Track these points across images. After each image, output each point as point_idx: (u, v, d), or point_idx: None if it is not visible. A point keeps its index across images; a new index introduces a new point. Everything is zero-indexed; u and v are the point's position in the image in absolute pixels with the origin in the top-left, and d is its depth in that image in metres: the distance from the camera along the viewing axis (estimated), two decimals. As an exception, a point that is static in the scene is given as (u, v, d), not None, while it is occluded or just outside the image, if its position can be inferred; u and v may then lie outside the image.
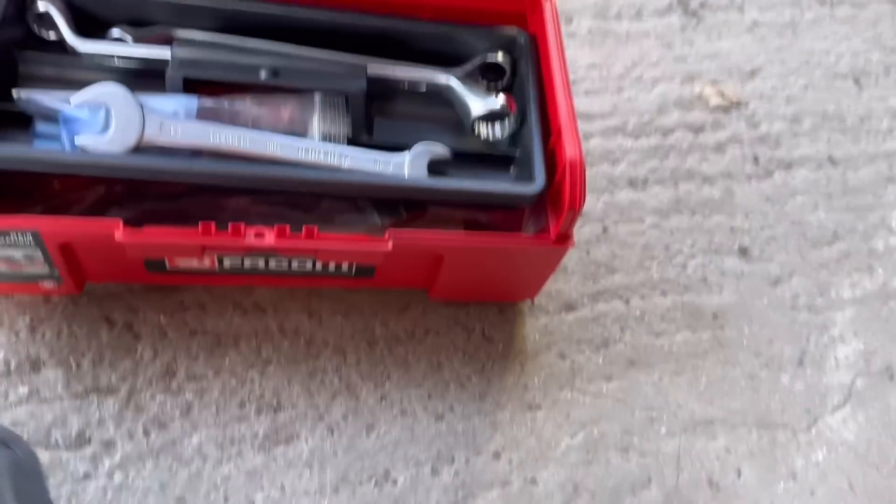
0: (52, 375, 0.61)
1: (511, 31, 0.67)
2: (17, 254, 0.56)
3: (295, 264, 0.62)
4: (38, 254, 0.56)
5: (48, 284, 0.61)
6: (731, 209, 0.83)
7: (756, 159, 0.88)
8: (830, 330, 0.77)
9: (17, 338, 0.62)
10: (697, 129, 0.88)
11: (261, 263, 0.61)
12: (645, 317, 0.75)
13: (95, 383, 0.62)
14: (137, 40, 0.61)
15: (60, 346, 0.63)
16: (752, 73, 0.95)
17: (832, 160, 0.89)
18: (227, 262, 0.61)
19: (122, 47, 0.60)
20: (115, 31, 0.61)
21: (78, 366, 0.62)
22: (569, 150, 0.57)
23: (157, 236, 0.54)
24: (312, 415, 0.64)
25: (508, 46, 0.67)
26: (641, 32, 0.95)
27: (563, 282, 0.74)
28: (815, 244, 0.83)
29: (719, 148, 0.88)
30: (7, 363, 0.61)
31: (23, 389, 0.61)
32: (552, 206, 0.60)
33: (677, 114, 0.89)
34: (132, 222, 0.58)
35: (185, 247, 0.56)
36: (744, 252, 0.81)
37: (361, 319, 0.69)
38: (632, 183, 0.83)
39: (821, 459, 0.70)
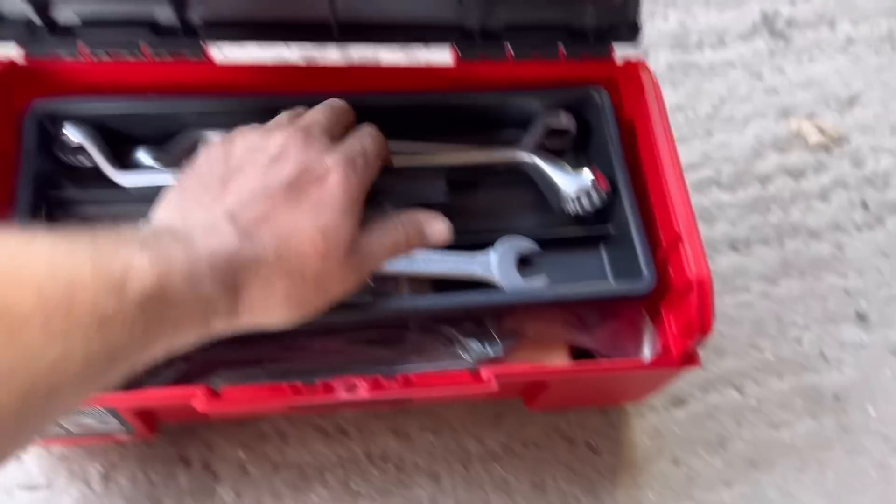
0: (131, 531, 0.57)
1: (578, 91, 0.59)
2: (89, 420, 0.51)
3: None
4: (111, 418, 0.51)
5: (121, 436, 0.56)
6: (843, 267, 0.76)
7: (865, 204, 0.79)
8: (966, 405, 0.70)
9: (91, 490, 0.58)
10: (798, 174, 0.80)
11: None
12: (762, 406, 0.68)
13: (178, 536, 0.57)
14: (167, 163, 0.55)
15: (137, 495, 0.58)
16: (851, 101, 0.86)
17: (951, 201, 0.80)
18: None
19: (169, 176, 0.54)
20: (141, 155, 0.55)
21: (157, 517, 0.57)
22: (695, 267, 0.50)
23: (241, 402, 0.48)
24: (412, 554, 0.59)
25: (576, 106, 0.60)
26: (726, 62, 0.86)
27: (669, 373, 0.67)
28: (939, 301, 0.75)
29: (824, 194, 0.79)
30: (83, 521, 0.57)
31: (102, 550, 0.56)
32: (672, 321, 0.54)
33: (775, 157, 0.81)
34: (200, 369, 0.53)
35: (272, 409, 0.50)
36: (862, 318, 0.73)
37: (453, 436, 0.63)
38: (733, 245, 0.75)
39: (969, 562, 0.63)
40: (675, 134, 0.80)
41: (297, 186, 0.43)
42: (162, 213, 0.43)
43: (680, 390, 0.67)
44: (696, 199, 0.77)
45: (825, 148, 0.82)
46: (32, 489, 0.57)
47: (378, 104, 0.57)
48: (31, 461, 0.58)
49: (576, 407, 0.64)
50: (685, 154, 0.80)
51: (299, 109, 0.51)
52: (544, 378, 0.53)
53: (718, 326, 0.70)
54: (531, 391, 0.59)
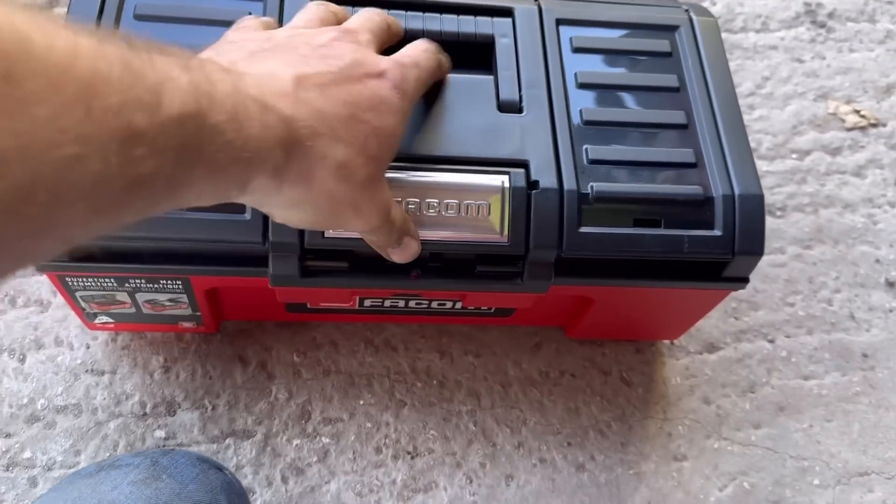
0: (188, 418, 0.60)
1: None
2: (163, 297, 0.54)
3: (435, 304, 0.59)
4: (184, 298, 0.54)
5: (187, 324, 0.59)
6: (875, 238, 0.78)
7: (899, 183, 0.82)
8: None
9: (152, 379, 0.61)
10: (834, 151, 0.83)
11: (401, 303, 0.59)
12: (792, 357, 0.70)
13: (231, 427, 0.60)
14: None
15: (195, 387, 0.61)
16: (888, 89, 0.89)
17: (983, 185, 0.83)
18: (367, 302, 0.58)
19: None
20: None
21: (213, 408, 0.61)
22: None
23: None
24: (450, 461, 0.61)
25: None
26: (769, 45, 0.90)
27: (704, 319, 0.70)
28: (968, 277, 0.77)
29: (859, 171, 0.82)
30: (143, 405, 0.60)
31: (159, 433, 0.59)
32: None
33: (812, 134, 0.84)
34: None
35: (340, 294, 0.53)
36: (891, 285, 0.75)
37: (493, 359, 0.66)
38: (769, 210, 0.78)
39: None
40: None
41: (354, 77, 0.36)
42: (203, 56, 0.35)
43: (712, 336, 0.70)
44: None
45: (861, 129, 0.85)
46: (97, 374, 0.61)
47: None
48: (98, 348, 0.61)
49: (613, 339, 0.67)
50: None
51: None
52: (592, 290, 0.56)
53: (753, 282, 0.74)
54: (574, 313, 0.62)
